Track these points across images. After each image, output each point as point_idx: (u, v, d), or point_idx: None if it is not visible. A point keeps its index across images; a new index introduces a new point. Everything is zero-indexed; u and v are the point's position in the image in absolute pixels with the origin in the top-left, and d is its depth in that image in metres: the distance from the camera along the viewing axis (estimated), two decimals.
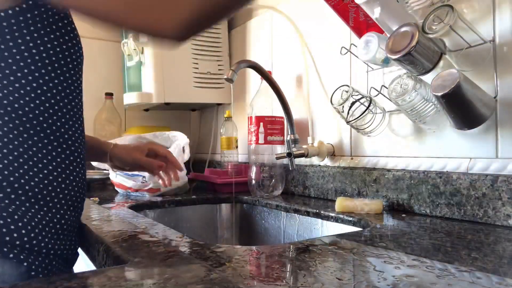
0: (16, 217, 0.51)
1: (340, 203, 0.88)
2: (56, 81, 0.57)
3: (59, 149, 0.57)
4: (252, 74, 1.48)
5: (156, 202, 1.10)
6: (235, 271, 0.46)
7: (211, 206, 1.19)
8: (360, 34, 0.91)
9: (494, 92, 0.72)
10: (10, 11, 0.52)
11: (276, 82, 1.06)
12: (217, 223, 1.20)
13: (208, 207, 1.19)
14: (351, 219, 0.82)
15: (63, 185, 0.58)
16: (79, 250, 0.71)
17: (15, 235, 0.51)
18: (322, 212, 0.89)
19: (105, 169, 1.30)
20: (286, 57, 1.28)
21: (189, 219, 1.15)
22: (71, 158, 0.60)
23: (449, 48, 0.73)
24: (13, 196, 0.52)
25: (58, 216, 0.57)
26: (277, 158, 1.07)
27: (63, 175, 0.58)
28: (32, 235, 0.52)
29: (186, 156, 1.20)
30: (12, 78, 0.53)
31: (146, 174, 1.16)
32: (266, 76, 1.05)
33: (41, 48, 0.55)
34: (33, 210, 0.53)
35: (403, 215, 0.81)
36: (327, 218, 0.87)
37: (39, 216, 0.54)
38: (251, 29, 1.49)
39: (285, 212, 1.01)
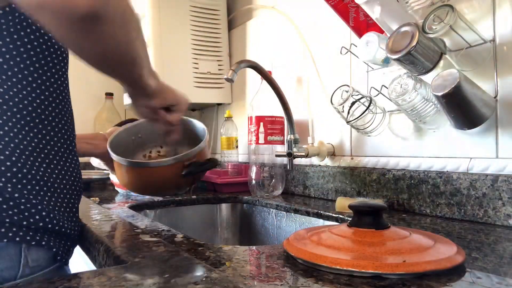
0: (37, 203, 0.57)
1: (340, 203, 0.88)
2: (44, 77, 0.60)
3: (55, 138, 0.62)
4: (252, 74, 1.48)
5: (156, 202, 1.10)
6: (235, 271, 0.46)
7: (211, 206, 1.19)
8: (360, 34, 0.91)
9: (494, 92, 0.72)
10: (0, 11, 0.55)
11: (276, 82, 1.06)
12: (217, 223, 1.20)
13: (208, 207, 1.19)
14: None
15: (63, 171, 0.63)
16: (79, 250, 0.71)
17: (37, 217, 0.57)
18: (322, 212, 0.89)
19: (105, 169, 1.30)
20: (286, 57, 1.28)
21: (189, 219, 1.15)
22: (65, 145, 0.64)
23: (449, 48, 0.73)
24: (29, 186, 0.56)
25: (66, 199, 0.63)
26: (277, 156, 1.07)
27: (62, 162, 0.63)
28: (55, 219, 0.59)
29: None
30: (4, 76, 0.56)
31: None
32: (266, 76, 1.05)
33: (29, 46, 0.57)
34: (46, 198, 0.58)
35: (403, 215, 0.81)
36: (327, 218, 0.87)
37: (52, 201, 0.59)
38: (251, 29, 1.49)
39: (285, 212, 1.01)
